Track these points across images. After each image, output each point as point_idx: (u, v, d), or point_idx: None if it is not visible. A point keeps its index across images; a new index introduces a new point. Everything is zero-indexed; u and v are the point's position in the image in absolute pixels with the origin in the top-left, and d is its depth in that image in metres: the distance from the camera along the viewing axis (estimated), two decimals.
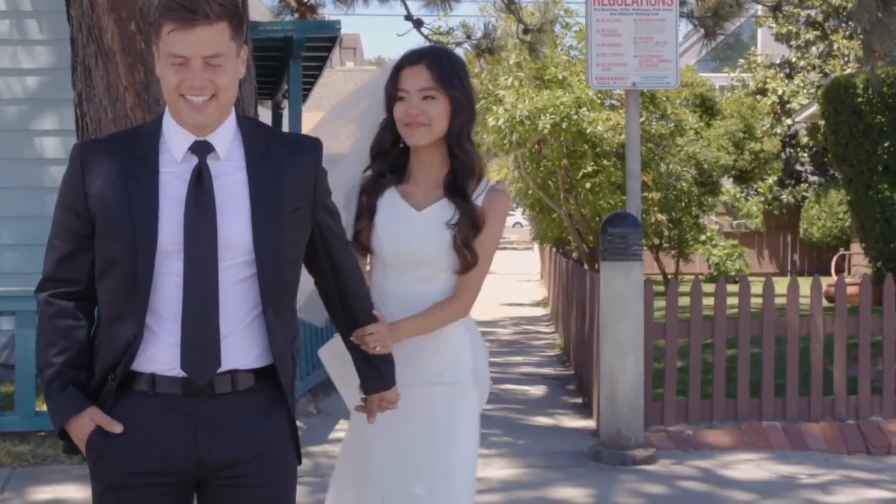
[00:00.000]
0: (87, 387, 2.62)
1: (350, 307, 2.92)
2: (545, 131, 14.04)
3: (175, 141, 2.63)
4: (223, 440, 2.60)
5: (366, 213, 3.32)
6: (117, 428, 2.58)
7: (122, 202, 2.56)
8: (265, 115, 13.80)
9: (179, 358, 2.55)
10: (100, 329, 2.65)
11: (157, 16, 2.58)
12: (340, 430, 7.55)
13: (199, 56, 2.53)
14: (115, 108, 5.50)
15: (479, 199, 3.31)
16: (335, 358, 3.33)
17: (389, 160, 3.35)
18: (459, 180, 3.28)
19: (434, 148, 3.30)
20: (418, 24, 9.88)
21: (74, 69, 5.74)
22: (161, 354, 2.57)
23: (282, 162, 2.66)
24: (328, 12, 11.55)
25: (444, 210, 3.28)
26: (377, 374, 2.99)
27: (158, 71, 2.62)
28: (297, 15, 10.51)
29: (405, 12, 9.89)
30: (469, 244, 3.26)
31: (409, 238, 3.27)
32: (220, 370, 2.57)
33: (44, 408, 6.83)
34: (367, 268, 3.40)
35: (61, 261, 2.66)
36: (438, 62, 3.26)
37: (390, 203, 3.32)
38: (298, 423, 2.79)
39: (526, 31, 10.63)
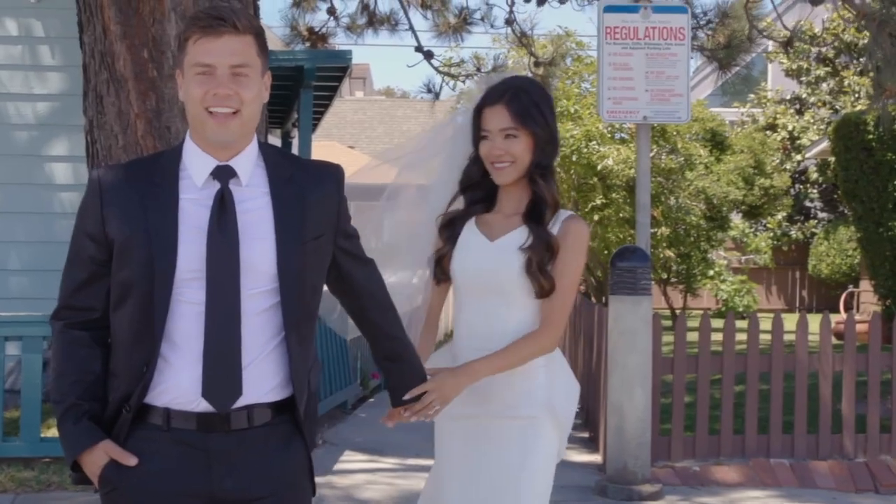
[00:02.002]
0: (100, 418, 2.58)
1: (372, 330, 2.91)
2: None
3: (196, 166, 2.60)
4: (238, 476, 2.56)
5: (448, 240, 3.37)
6: (132, 460, 2.54)
7: (140, 228, 2.53)
8: (275, 143, 13.82)
9: (200, 386, 2.51)
10: (114, 358, 2.61)
11: (183, 30, 2.59)
12: (345, 460, 7.50)
13: (225, 65, 2.53)
14: (126, 135, 5.51)
15: (554, 227, 3.32)
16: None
17: (480, 191, 3.40)
18: (538, 208, 3.31)
19: (517, 180, 3.34)
20: (429, 55, 9.89)
21: (86, 95, 5.75)
22: (176, 387, 2.53)
23: (305, 188, 2.64)
24: (339, 42, 11.58)
25: (519, 237, 3.30)
26: (408, 391, 3.00)
27: (182, 93, 2.60)
28: (308, 44, 10.53)
29: (416, 43, 9.91)
30: (543, 268, 3.25)
31: (481, 265, 3.30)
32: (237, 405, 2.53)
33: (49, 434, 6.83)
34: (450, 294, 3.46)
35: (77, 288, 2.63)
36: (518, 100, 3.29)
37: (468, 232, 3.37)
38: None
39: (537, 64, 10.62)
